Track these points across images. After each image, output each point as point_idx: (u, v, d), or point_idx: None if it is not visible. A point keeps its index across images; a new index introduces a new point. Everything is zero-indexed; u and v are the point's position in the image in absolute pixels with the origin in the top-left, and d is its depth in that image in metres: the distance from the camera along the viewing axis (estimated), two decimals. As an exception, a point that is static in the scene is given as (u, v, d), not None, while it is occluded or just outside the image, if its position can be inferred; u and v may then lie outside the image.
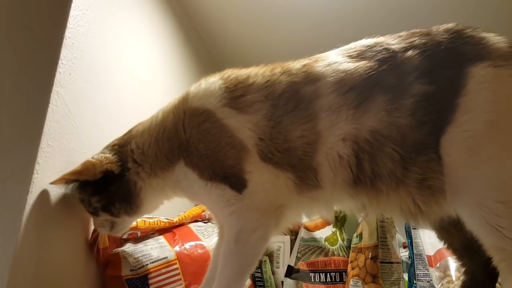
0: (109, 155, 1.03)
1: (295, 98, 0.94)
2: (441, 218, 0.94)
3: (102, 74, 1.19)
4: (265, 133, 0.94)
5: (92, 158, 1.03)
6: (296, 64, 0.99)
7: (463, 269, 1.06)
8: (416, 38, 0.93)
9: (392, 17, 1.79)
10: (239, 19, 1.86)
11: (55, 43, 1.02)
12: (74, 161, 1.05)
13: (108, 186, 1.02)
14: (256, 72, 1.00)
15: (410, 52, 0.90)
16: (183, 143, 0.98)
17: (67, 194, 1.03)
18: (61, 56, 1.02)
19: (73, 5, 1.06)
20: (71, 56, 1.05)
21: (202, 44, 2.05)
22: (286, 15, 1.82)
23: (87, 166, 1.00)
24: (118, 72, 1.27)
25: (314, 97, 0.93)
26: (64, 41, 1.03)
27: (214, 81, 1.02)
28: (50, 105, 0.98)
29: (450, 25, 0.94)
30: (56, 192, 1.00)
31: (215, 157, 0.95)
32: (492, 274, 1.01)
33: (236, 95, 0.97)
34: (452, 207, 0.87)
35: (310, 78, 0.94)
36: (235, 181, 0.93)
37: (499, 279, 1.01)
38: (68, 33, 1.04)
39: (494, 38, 0.90)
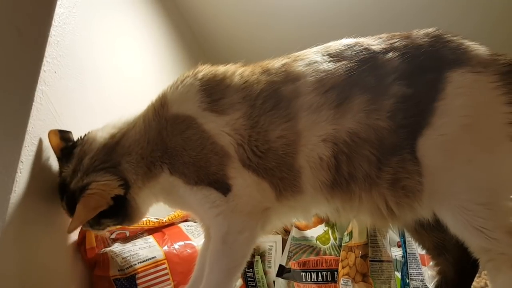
0: (111, 180, 0.98)
1: (274, 97, 0.93)
2: (413, 221, 0.95)
3: (89, 72, 1.18)
4: (244, 136, 0.94)
5: (95, 186, 0.96)
6: (276, 63, 0.99)
7: (436, 269, 1.06)
8: (397, 40, 0.94)
9: (385, 15, 1.79)
10: (232, 14, 1.85)
11: (40, 41, 1.01)
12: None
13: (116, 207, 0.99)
14: (233, 72, 0.99)
15: (390, 54, 0.91)
16: (167, 151, 0.97)
17: (52, 193, 1.02)
18: (46, 54, 1.01)
19: (58, 2, 1.06)
20: (56, 54, 1.04)
21: (194, 41, 2.04)
22: (279, 13, 1.82)
23: (98, 201, 0.96)
24: (106, 70, 1.26)
25: (294, 96, 0.92)
26: (50, 39, 1.02)
27: (190, 83, 0.99)
28: (34, 103, 0.97)
29: (430, 30, 0.95)
30: (40, 191, 0.99)
31: (198, 164, 0.94)
32: (463, 274, 1.01)
33: (215, 98, 0.96)
34: (428, 209, 0.88)
35: (290, 77, 0.94)
36: (220, 186, 0.93)
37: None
38: (54, 31, 1.04)
39: (474, 45, 0.91)
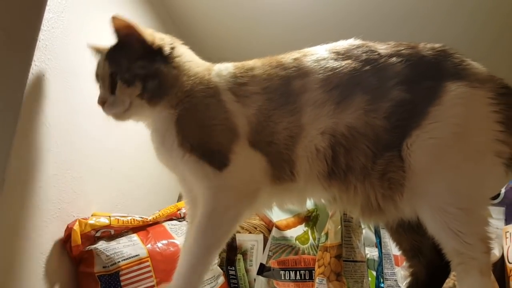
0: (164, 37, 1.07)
1: (286, 92, 0.97)
2: (396, 220, 0.99)
3: (77, 75, 1.20)
4: (254, 125, 0.97)
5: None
6: (287, 58, 1.02)
7: (410, 270, 1.11)
8: (403, 48, 0.98)
9: (374, 21, 1.82)
10: (221, 19, 1.88)
11: (28, 45, 1.04)
12: (47, 161, 1.08)
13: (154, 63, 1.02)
14: (259, 65, 1.03)
15: (394, 59, 0.95)
16: (191, 98, 1.00)
17: (40, 189, 1.05)
18: (35, 57, 1.04)
19: (47, 7, 1.08)
20: (44, 57, 1.07)
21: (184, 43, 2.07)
22: (266, 17, 1.85)
23: (151, 33, 1.04)
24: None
25: (302, 91, 0.96)
26: (38, 43, 1.05)
27: (228, 65, 1.05)
28: (21, 107, 1.00)
29: (437, 45, 1.00)
30: (29, 187, 1.02)
31: (206, 130, 0.97)
32: (434, 276, 1.06)
33: (241, 82, 1.00)
34: (409, 207, 0.92)
35: (300, 72, 0.98)
36: (218, 158, 0.95)
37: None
38: (42, 35, 1.06)
39: (475, 64, 0.96)
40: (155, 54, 1.02)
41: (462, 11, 1.74)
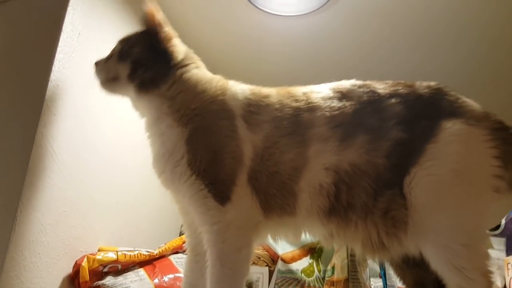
0: (181, 47, 1.10)
1: (296, 122, 0.99)
2: (401, 255, 1.00)
3: (86, 113, 1.23)
4: (258, 154, 0.98)
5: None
6: (298, 91, 1.05)
7: None
8: (400, 87, 1.02)
9: (381, 55, 1.88)
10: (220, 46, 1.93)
11: (40, 86, 1.08)
12: (56, 197, 1.10)
13: (157, 57, 1.06)
14: (274, 93, 1.05)
15: (393, 100, 0.99)
16: (203, 118, 1.00)
17: (49, 226, 1.07)
18: (46, 97, 1.07)
19: (58, 49, 1.12)
20: (55, 97, 1.10)
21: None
22: (269, 50, 1.90)
23: (171, 32, 1.07)
24: (102, 111, 1.31)
25: (310, 125, 0.98)
26: (49, 83, 1.08)
27: (244, 88, 1.06)
28: (34, 145, 1.03)
29: (432, 83, 1.03)
30: (39, 228, 1.04)
31: (217, 157, 0.97)
32: None
33: (254, 110, 1.01)
34: (413, 244, 0.93)
35: (309, 107, 1.00)
36: (221, 190, 0.94)
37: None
38: (53, 75, 1.10)
39: (470, 101, 0.99)
40: (164, 53, 1.06)
41: (462, 47, 1.80)
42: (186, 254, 1.38)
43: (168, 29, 1.07)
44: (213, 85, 1.05)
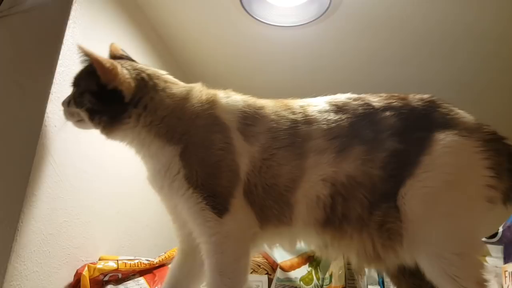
0: (131, 80, 1.02)
1: (294, 134, 1.00)
2: (396, 266, 1.01)
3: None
4: (255, 166, 0.99)
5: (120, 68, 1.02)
6: (295, 104, 1.07)
7: None
8: (394, 100, 1.04)
9: (378, 63, 1.91)
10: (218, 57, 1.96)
11: (41, 98, 1.10)
12: (58, 208, 1.12)
13: (109, 100, 1.02)
14: (270, 105, 1.06)
15: (387, 112, 1.01)
16: (192, 135, 1.00)
17: (51, 236, 1.08)
18: (47, 110, 1.09)
19: (59, 61, 1.14)
20: (56, 109, 1.12)
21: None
22: (270, 59, 1.93)
23: (113, 68, 1.00)
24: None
25: (307, 138, 1.00)
26: (50, 96, 1.10)
27: (238, 100, 1.06)
28: (35, 156, 1.05)
29: (425, 96, 1.05)
30: (40, 238, 1.05)
31: (213, 171, 0.97)
32: None
33: (248, 122, 1.02)
34: (408, 254, 0.95)
35: (307, 119, 1.02)
36: (219, 203, 0.95)
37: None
38: (54, 88, 1.12)
39: (462, 113, 1.01)
40: (115, 91, 1.00)
41: (457, 58, 1.83)
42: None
43: (108, 65, 0.99)
44: (195, 99, 1.04)
